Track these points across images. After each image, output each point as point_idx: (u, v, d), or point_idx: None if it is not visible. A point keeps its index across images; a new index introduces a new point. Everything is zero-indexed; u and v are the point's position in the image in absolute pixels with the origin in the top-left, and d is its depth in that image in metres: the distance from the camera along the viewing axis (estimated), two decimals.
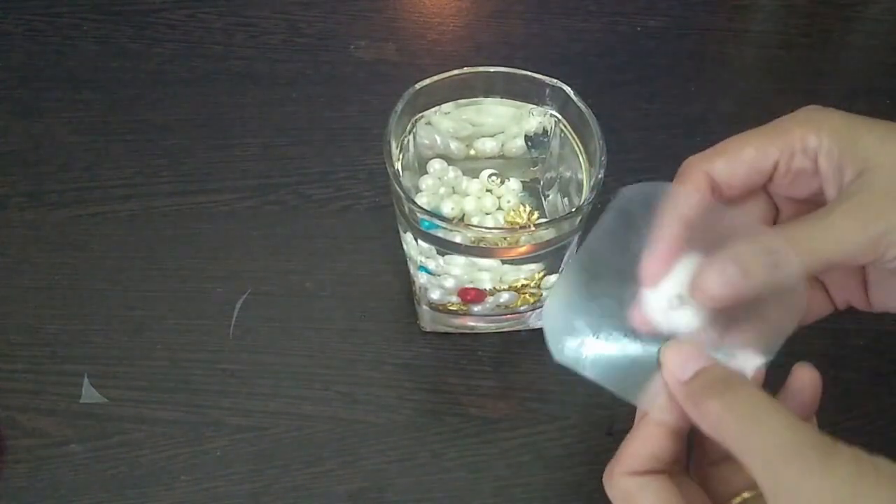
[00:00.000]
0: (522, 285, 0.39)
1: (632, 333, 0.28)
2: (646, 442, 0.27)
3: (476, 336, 0.44)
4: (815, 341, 0.44)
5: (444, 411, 0.42)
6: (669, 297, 0.28)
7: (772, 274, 0.26)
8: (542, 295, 0.41)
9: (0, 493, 0.39)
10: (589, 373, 0.28)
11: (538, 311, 0.43)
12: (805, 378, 0.28)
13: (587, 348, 0.28)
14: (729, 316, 0.28)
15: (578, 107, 0.37)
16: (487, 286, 0.39)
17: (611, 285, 0.29)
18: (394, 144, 0.37)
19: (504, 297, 0.40)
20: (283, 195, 0.50)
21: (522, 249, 0.36)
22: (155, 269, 0.47)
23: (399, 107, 0.37)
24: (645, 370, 0.27)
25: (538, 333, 0.44)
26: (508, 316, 0.43)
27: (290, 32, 0.60)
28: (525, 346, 0.44)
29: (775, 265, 0.26)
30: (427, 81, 0.38)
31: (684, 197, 0.28)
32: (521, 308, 0.42)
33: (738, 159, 0.29)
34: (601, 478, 0.27)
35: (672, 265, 0.28)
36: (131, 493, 0.39)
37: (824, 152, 0.28)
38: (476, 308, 0.41)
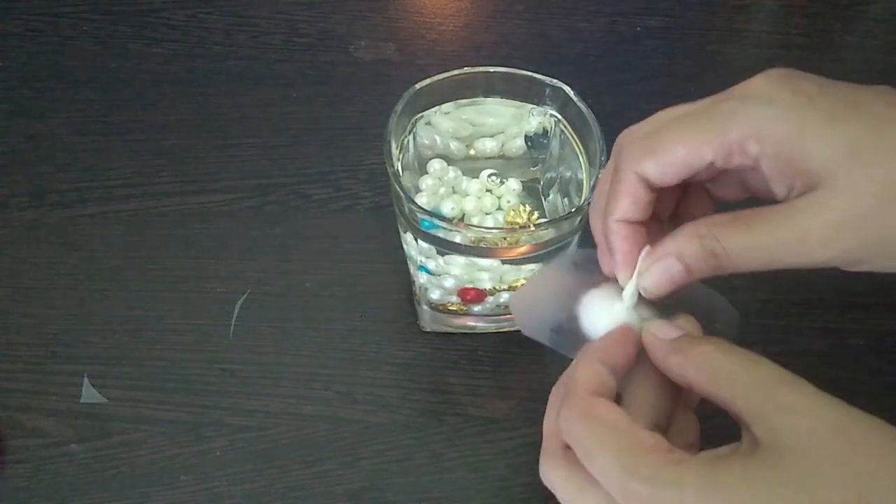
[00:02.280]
0: (522, 285, 0.39)
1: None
2: (593, 369, 0.27)
3: (476, 336, 0.44)
4: (815, 341, 0.44)
5: (444, 411, 0.42)
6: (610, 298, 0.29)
7: (715, 271, 0.26)
8: None
9: (0, 493, 0.39)
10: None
11: None
12: None
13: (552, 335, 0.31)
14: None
15: (578, 107, 0.37)
16: (487, 286, 0.39)
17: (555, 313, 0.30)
18: (394, 144, 0.37)
19: (504, 297, 0.40)
20: (283, 195, 0.50)
21: (522, 249, 0.36)
22: (155, 269, 0.47)
23: (399, 107, 0.37)
24: None
25: None
26: (508, 316, 0.43)
27: (290, 32, 0.60)
28: (525, 346, 0.44)
29: (716, 261, 0.26)
30: (427, 81, 0.38)
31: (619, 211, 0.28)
32: None
33: (669, 161, 0.27)
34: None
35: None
36: (131, 493, 0.39)
37: (767, 161, 0.26)
38: (476, 308, 0.41)
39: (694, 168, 0.27)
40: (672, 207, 0.30)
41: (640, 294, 0.28)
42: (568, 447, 0.25)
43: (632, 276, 0.28)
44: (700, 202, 0.31)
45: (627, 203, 0.27)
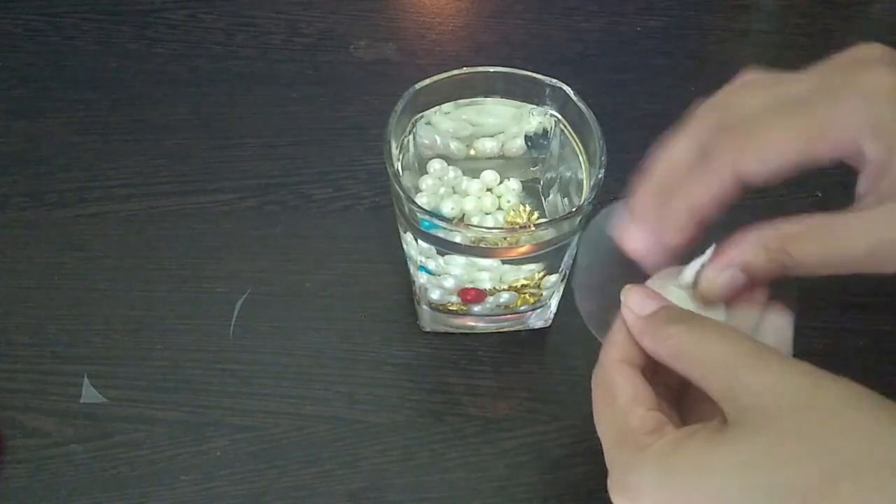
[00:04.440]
0: (522, 285, 0.39)
1: None
2: (625, 332, 0.27)
3: (476, 336, 0.44)
4: (815, 341, 0.44)
5: (444, 411, 0.42)
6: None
7: (780, 273, 0.26)
8: (541, 295, 0.41)
9: (0, 493, 0.39)
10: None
11: (538, 311, 0.43)
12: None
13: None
14: None
15: (578, 107, 0.37)
16: (487, 286, 0.39)
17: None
18: (394, 144, 0.37)
19: (504, 297, 0.40)
20: (283, 195, 0.50)
21: (522, 249, 0.36)
22: (155, 269, 0.47)
23: (399, 107, 0.37)
24: None
25: (538, 333, 0.45)
26: (508, 316, 0.43)
27: (290, 32, 0.60)
28: (525, 346, 0.44)
29: (782, 271, 0.25)
30: (427, 81, 0.38)
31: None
32: (521, 308, 0.42)
33: (773, 161, 0.25)
34: (601, 478, 0.27)
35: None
36: (131, 493, 0.39)
37: (873, 159, 0.25)
38: (476, 308, 0.41)
39: (802, 168, 0.25)
40: None
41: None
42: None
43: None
44: None
45: (714, 199, 0.26)
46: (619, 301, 0.28)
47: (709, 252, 0.27)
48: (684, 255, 0.28)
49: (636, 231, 0.28)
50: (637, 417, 0.25)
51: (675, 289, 0.28)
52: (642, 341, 0.26)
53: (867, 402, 0.22)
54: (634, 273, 0.29)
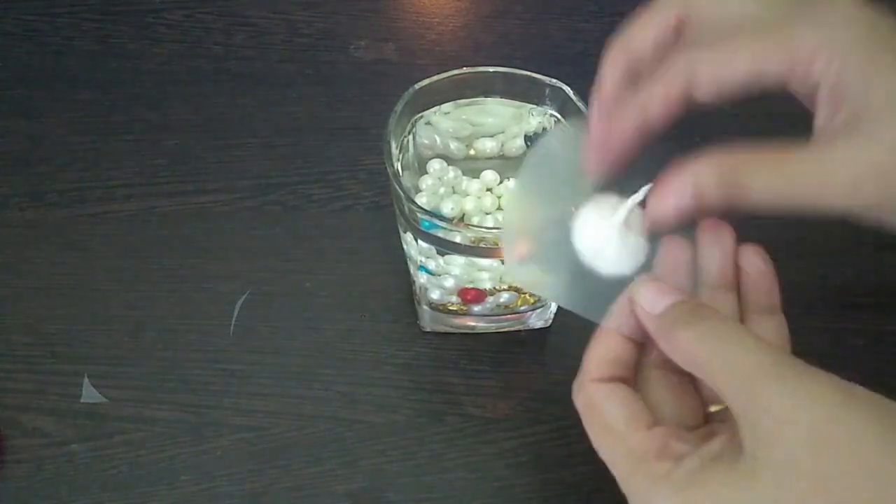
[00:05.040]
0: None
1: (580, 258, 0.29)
2: (608, 347, 0.26)
3: (476, 336, 0.44)
4: (815, 341, 0.44)
5: (444, 411, 0.42)
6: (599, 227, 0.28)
7: (730, 202, 0.25)
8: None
9: (0, 493, 0.39)
10: (549, 295, 0.29)
11: (538, 311, 0.43)
12: (753, 267, 0.27)
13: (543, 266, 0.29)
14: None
15: (578, 107, 0.37)
16: (487, 286, 0.39)
17: (549, 213, 0.29)
18: (394, 144, 0.37)
19: (504, 297, 0.40)
20: (283, 195, 0.50)
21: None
22: (155, 269, 0.47)
23: (399, 107, 0.37)
24: (603, 289, 0.28)
25: (538, 333, 0.45)
26: (508, 316, 0.43)
27: (290, 32, 0.60)
28: (525, 346, 0.44)
29: (733, 196, 0.24)
30: (427, 81, 0.38)
31: (638, 39, 0.27)
32: (521, 308, 0.42)
33: (726, 70, 0.25)
34: (601, 478, 0.27)
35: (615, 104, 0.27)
36: (131, 493, 0.39)
37: (827, 84, 0.24)
38: (476, 308, 0.41)
39: (752, 86, 0.25)
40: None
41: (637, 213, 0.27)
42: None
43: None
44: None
45: (662, 104, 0.26)
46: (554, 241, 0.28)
47: (643, 190, 0.27)
48: (620, 181, 0.28)
49: (595, 123, 0.28)
50: (640, 441, 0.24)
51: (603, 223, 0.28)
52: (657, 342, 0.25)
53: (889, 434, 0.21)
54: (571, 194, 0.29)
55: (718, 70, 0.25)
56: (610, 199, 0.29)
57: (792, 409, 0.21)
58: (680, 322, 0.24)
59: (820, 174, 0.24)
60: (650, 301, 0.26)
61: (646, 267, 0.28)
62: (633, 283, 0.27)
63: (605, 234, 0.28)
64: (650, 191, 0.26)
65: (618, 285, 0.27)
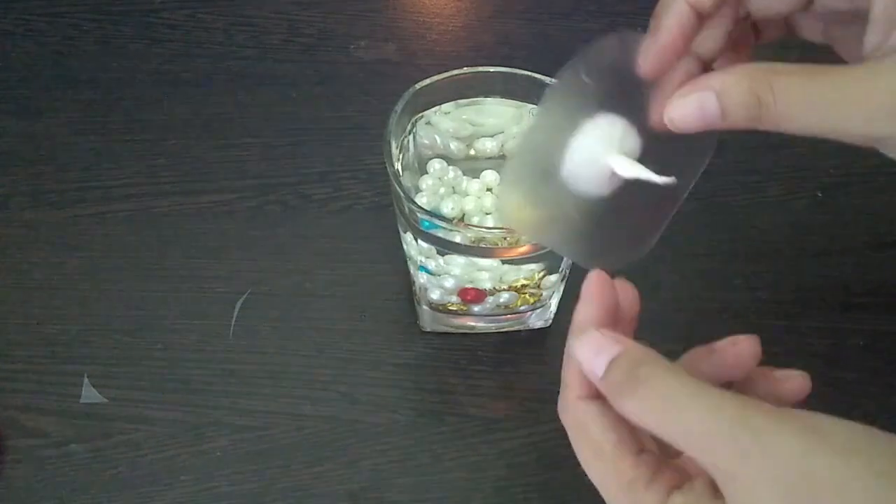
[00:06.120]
0: (522, 285, 0.39)
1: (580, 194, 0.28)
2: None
3: (476, 336, 0.44)
4: (815, 341, 0.44)
5: (444, 411, 0.42)
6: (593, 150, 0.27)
7: (753, 122, 0.23)
8: (541, 295, 0.41)
9: (0, 493, 0.39)
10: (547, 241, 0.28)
11: (538, 311, 0.43)
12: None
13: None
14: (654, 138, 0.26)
15: None
16: (487, 286, 0.39)
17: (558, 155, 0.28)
18: (394, 144, 0.37)
19: (504, 297, 0.40)
20: (283, 195, 0.50)
21: (522, 249, 0.36)
22: (155, 269, 0.47)
23: (399, 107, 0.37)
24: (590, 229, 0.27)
25: (538, 333, 0.45)
26: (508, 316, 0.43)
27: (290, 32, 0.60)
28: (525, 346, 0.44)
29: (758, 110, 0.23)
30: (427, 81, 0.38)
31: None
32: (521, 308, 0.42)
33: None
34: (597, 489, 0.27)
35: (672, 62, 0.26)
36: (131, 493, 0.39)
37: (882, 4, 0.23)
38: (476, 308, 0.41)
39: (802, 7, 0.24)
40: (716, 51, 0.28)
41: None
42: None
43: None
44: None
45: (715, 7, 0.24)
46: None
47: (666, 180, 0.25)
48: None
49: (644, 47, 0.27)
50: (630, 467, 0.23)
51: (596, 146, 0.27)
52: (610, 401, 0.24)
53: (861, 484, 0.19)
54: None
55: None
56: (612, 120, 0.27)
57: (761, 473, 0.20)
58: (621, 388, 0.23)
59: (862, 93, 0.22)
60: (590, 361, 0.24)
61: (633, 185, 0.27)
62: (570, 338, 0.25)
63: (601, 170, 0.27)
64: (668, 95, 0.25)
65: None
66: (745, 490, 0.20)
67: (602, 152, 0.27)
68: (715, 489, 0.22)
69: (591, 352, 0.24)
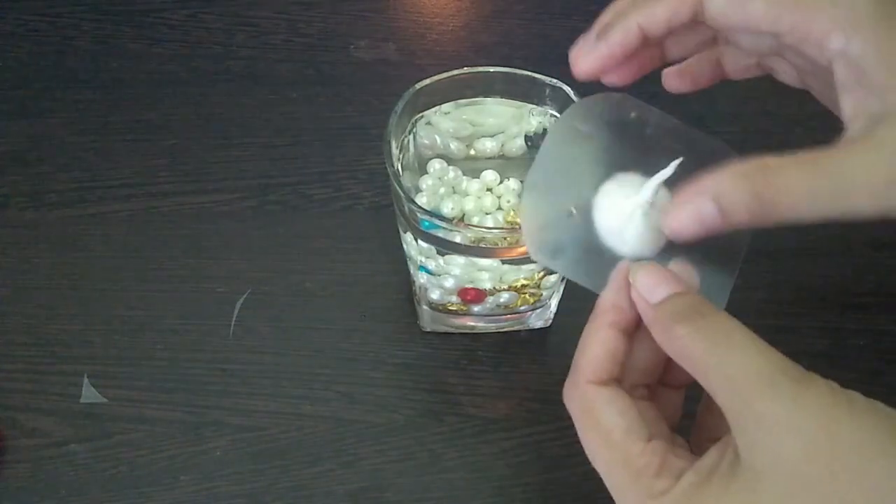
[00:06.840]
0: (522, 285, 0.39)
1: (596, 242, 0.28)
2: (602, 344, 0.25)
3: (476, 336, 0.44)
4: (815, 341, 0.44)
5: (444, 411, 0.42)
6: (621, 215, 0.27)
7: (756, 221, 0.23)
8: (541, 295, 0.41)
9: (0, 493, 0.39)
10: (564, 272, 0.28)
11: (538, 310, 0.43)
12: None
13: (561, 252, 0.28)
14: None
15: None
16: (487, 286, 0.39)
17: (569, 197, 0.28)
18: (394, 144, 0.37)
19: (504, 297, 0.40)
20: (283, 195, 0.50)
21: (522, 249, 0.36)
22: (155, 269, 0.47)
23: (399, 107, 0.37)
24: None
25: (538, 333, 0.45)
26: (508, 316, 0.43)
27: (290, 32, 0.60)
28: (525, 346, 0.44)
29: (760, 207, 0.23)
30: (427, 81, 0.38)
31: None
32: (521, 308, 0.42)
33: (740, 9, 0.24)
34: (601, 478, 0.27)
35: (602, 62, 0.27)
36: (131, 493, 0.39)
37: (843, 65, 0.23)
38: (476, 308, 0.41)
39: (761, 29, 0.24)
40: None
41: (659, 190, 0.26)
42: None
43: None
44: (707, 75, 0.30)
45: (664, 18, 0.25)
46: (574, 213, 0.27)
47: (672, 165, 0.25)
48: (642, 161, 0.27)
49: (585, 46, 0.28)
50: (639, 455, 0.23)
51: (626, 201, 0.26)
52: (652, 331, 0.24)
53: (881, 447, 0.20)
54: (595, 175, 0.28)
55: (731, 6, 0.24)
56: (633, 178, 0.27)
57: (789, 419, 0.21)
58: (678, 315, 0.23)
59: (865, 173, 0.22)
60: (648, 288, 0.24)
61: (669, 250, 0.27)
62: (632, 264, 0.25)
63: (628, 213, 0.26)
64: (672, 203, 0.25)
65: None
66: (766, 431, 0.21)
67: (631, 209, 0.27)
68: (728, 461, 0.22)
69: (652, 281, 0.24)
